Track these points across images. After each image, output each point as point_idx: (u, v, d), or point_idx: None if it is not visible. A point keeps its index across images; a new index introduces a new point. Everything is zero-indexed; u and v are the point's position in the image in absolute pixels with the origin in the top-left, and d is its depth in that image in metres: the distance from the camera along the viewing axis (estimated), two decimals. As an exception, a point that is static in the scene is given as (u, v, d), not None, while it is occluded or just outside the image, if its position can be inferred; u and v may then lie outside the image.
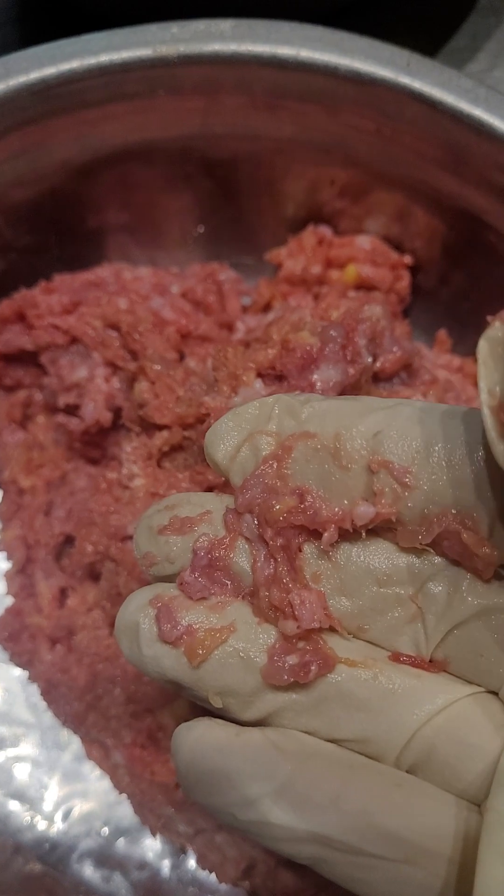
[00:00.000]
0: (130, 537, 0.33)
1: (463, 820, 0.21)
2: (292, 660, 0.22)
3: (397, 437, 0.22)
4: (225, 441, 0.24)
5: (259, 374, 0.32)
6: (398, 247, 0.42)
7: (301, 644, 0.22)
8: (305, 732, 0.22)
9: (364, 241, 0.41)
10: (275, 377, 0.32)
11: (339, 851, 0.21)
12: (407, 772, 0.22)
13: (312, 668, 0.21)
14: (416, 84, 0.35)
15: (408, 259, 0.42)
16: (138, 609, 0.23)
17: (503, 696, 0.22)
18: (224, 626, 0.22)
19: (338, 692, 0.22)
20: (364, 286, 0.41)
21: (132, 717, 0.32)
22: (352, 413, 0.23)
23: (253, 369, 0.31)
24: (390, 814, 0.21)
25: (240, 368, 0.32)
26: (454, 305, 0.42)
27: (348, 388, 0.31)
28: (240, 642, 0.22)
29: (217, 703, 0.22)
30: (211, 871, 0.33)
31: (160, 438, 0.33)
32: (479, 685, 0.22)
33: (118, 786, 0.35)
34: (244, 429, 0.24)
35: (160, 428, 0.33)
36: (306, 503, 0.22)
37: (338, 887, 0.31)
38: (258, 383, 0.31)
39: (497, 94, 0.35)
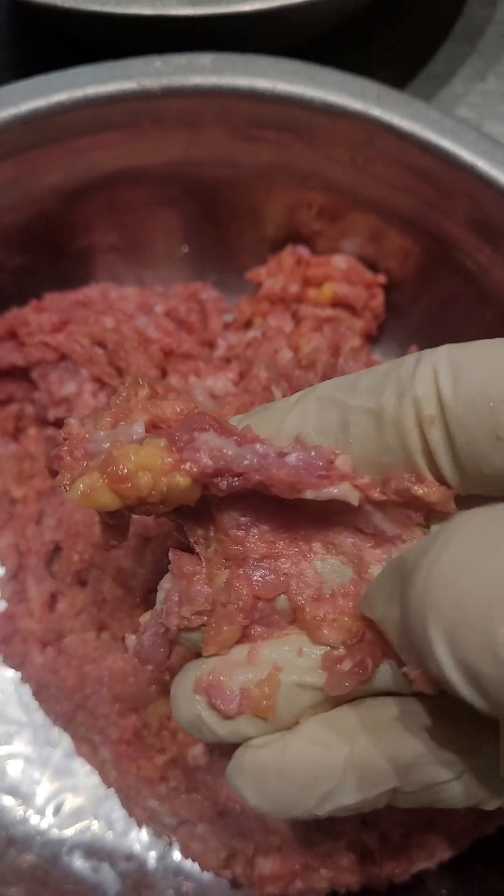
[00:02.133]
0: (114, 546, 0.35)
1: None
2: (347, 665, 0.22)
3: (315, 433, 0.23)
4: None
5: (154, 425, 0.25)
6: (373, 266, 0.44)
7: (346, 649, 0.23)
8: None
9: (340, 261, 0.43)
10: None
11: (411, 793, 0.23)
12: None
13: (368, 663, 0.22)
14: (386, 116, 0.37)
15: (382, 278, 0.44)
16: (189, 703, 0.23)
17: None
18: (271, 671, 0.23)
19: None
20: (340, 304, 0.43)
21: (118, 715, 0.34)
22: (270, 421, 0.24)
23: (147, 413, 0.25)
24: (438, 749, 0.22)
25: (134, 408, 0.25)
26: (426, 322, 0.44)
27: None
28: (292, 675, 0.23)
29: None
30: (194, 860, 0.35)
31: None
32: None
33: (106, 780, 0.37)
34: None
35: (140, 442, 0.35)
36: None
37: (313, 872, 0.33)
38: (138, 426, 0.24)
39: (463, 125, 0.37)
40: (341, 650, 0.23)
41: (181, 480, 0.22)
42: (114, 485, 0.22)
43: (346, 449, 0.23)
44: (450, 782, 0.22)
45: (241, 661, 0.23)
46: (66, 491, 0.23)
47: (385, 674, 0.23)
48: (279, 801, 0.23)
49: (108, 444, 0.23)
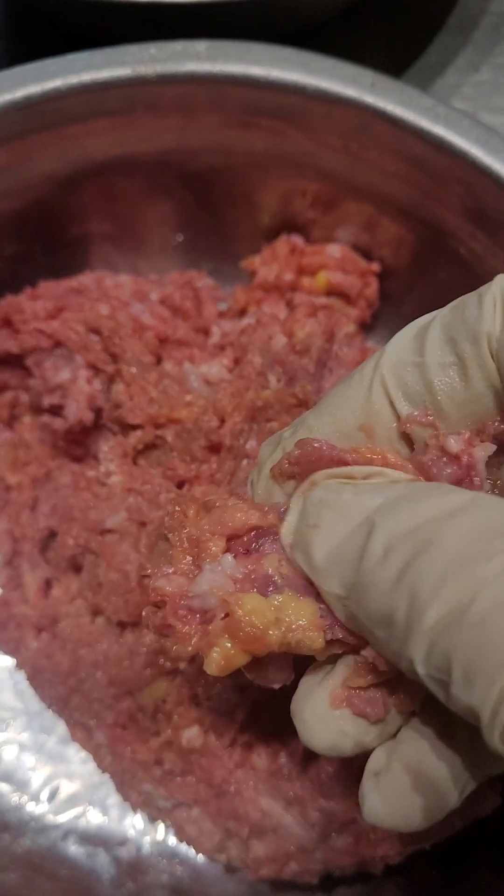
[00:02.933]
0: (109, 531, 0.35)
1: None
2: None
3: (402, 402, 0.23)
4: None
5: (229, 540, 0.24)
6: (367, 255, 0.44)
7: None
8: None
9: (334, 250, 0.43)
10: (245, 551, 0.24)
11: None
12: None
13: None
14: (380, 103, 0.37)
15: (375, 266, 0.44)
16: (329, 721, 0.22)
17: None
18: None
19: None
20: (334, 292, 0.43)
21: (113, 699, 0.34)
22: (352, 412, 0.24)
23: (222, 536, 0.23)
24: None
25: (205, 533, 0.24)
26: (420, 310, 0.44)
27: None
28: None
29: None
30: (188, 844, 0.35)
31: (134, 437, 0.35)
32: None
33: (100, 765, 0.37)
34: None
35: (134, 427, 0.35)
36: None
37: (307, 854, 0.33)
38: (228, 559, 0.23)
39: (456, 112, 0.37)
40: None
41: (317, 640, 0.22)
42: (246, 647, 0.22)
43: (436, 408, 0.22)
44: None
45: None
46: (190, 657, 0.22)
47: None
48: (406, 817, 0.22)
49: (214, 600, 0.22)
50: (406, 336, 0.24)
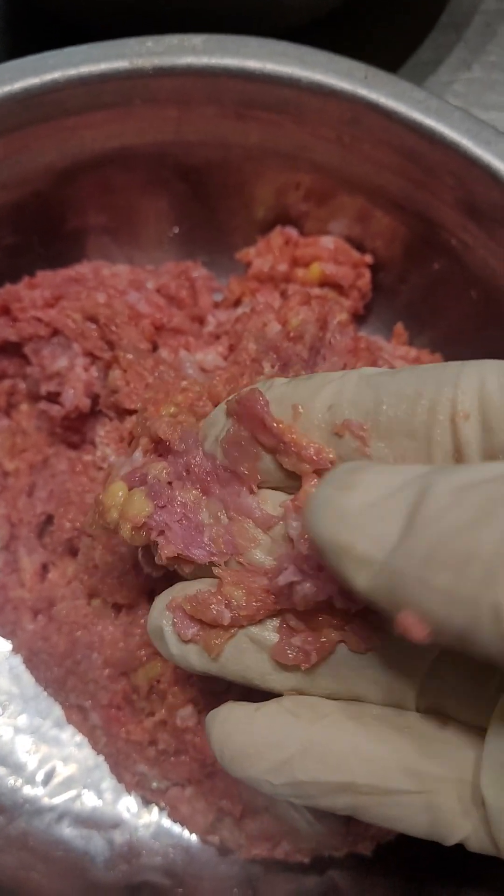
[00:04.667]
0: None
1: (473, 745, 0.23)
2: (297, 641, 0.24)
3: (348, 406, 0.24)
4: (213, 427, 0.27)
5: (157, 442, 0.29)
6: (360, 247, 0.45)
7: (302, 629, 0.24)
8: (325, 695, 0.24)
9: (327, 242, 0.44)
10: (158, 454, 0.29)
11: (367, 795, 0.22)
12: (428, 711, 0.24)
13: (312, 654, 0.23)
14: (373, 95, 0.38)
15: (368, 258, 0.44)
16: (159, 615, 0.26)
17: None
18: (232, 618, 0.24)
19: (344, 661, 0.24)
20: (327, 283, 0.44)
21: (108, 679, 0.35)
22: (307, 390, 0.25)
23: (146, 437, 0.29)
24: (405, 752, 0.23)
25: (140, 431, 0.30)
26: (412, 301, 0.45)
27: None
28: (252, 628, 0.25)
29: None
30: (182, 824, 0.36)
31: (130, 422, 0.36)
32: None
33: (95, 747, 0.37)
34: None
35: (131, 412, 0.36)
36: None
37: (300, 833, 0.34)
38: (137, 454, 0.30)
39: (448, 105, 0.38)
40: (299, 624, 0.24)
41: (126, 530, 0.27)
42: (98, 513, 0.28)
43: (374, 424, 0.23)
44: (409, 795, 0.22)
45: (215, 601, 0.25)
46: None
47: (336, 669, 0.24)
48: (238, 755, 0.24)
49: (114, 473, 0.29)
50: (392, 369, 0.25)
